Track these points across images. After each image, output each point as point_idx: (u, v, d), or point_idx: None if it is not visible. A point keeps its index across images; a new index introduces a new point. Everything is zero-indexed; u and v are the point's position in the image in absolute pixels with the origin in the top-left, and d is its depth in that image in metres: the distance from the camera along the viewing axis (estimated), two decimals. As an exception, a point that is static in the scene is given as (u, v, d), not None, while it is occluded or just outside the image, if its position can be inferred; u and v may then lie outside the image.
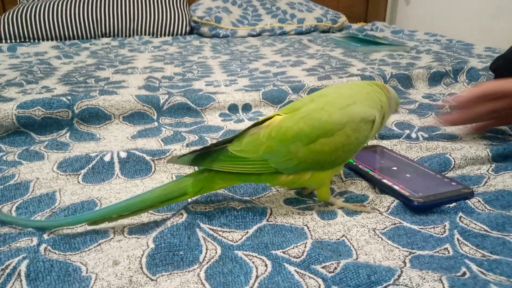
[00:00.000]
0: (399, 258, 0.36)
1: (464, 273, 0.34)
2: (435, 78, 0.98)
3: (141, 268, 0.34)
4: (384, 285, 0.31)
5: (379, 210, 0.44)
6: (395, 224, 0.41)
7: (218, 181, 0.42)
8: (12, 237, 0.39)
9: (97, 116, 0.70)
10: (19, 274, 0.34)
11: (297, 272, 0.34)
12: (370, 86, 0.46)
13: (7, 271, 0.34)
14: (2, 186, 0.48)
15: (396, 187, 0.47)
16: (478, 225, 0.40)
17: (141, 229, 0.41)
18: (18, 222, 0.40)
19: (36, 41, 1.70)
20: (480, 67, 0.98)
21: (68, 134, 0.67)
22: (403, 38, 1.79)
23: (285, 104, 0.80)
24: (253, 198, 0.47)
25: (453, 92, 0.92)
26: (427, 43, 1.61)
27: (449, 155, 0.55)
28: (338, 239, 0.39)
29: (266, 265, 0.35)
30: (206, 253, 0.36)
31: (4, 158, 0.57)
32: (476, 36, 1.84)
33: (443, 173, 0.52)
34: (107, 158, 0.54)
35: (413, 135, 0.64)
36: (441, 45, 1.55)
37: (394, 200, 0.45)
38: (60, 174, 0.51)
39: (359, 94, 0.44)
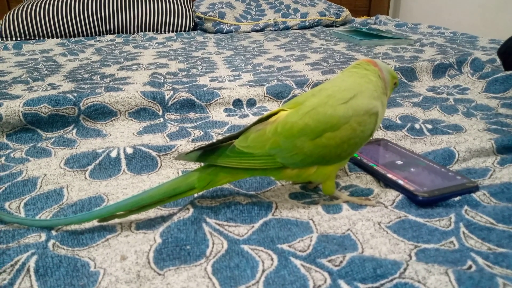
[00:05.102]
0: (405, 251, 0.37)
1: (470, 267, 0.34)
2: (439, 70, 0.97)
3: (149, 262, 0.35)
4: (390, 278, 0.32)
5: (384, 204, 0.44)
6: (400, 217, 0.42)
7: (224, 175, 0.42)
8: (21, 233, 0.39)
9: (103, 113, 0.70)
10: (28, 270, 0.34)
11: (303, 266, 0.34)
12: (363, 71, 0.46)
13: (17, 267, 0.34)
14: (10, 183, 0.49)
15: (400, 181, 0.47)
16: (484, 218, 0.40)
17: (148, 224, 0.41)
18: (25, 223, 0.41)
19: (41, 38, 1.70)
20: (484, 59, 0.97)
21: (74, 131, 0.67)
22: (407, 31, 1.78)
23: (289, 99, 0.80)
24: (259, 192, 0.47)
25: (458, 84, 0.91)
26: (430, 36, 1.60)
27: (453, 147, 0.55)
28: (344, 232, 0.39)
29: (272, 259, 0.35)
30: (212, 248, 0.37)
31: (11, 155, 0.58)
32: (481, 28, 1.83)
33: (448, 167, 0.52)
34: (113, 154, 0.54)
35: (417, 126, 0.64)
36: (445, 38, 1.54)
37: (399, 194, 0.45)
38: (67, 171, 0.52)
39: (356, 85, 0.44)
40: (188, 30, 1.88)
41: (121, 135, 0.65)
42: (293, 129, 0.40)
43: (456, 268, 0.33)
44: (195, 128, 0.68)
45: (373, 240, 0.38)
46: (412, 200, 0.44)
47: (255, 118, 0.71)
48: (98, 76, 1.02)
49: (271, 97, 0.80)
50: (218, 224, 0.40)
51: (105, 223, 0.41)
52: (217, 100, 0.77)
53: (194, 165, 0.55)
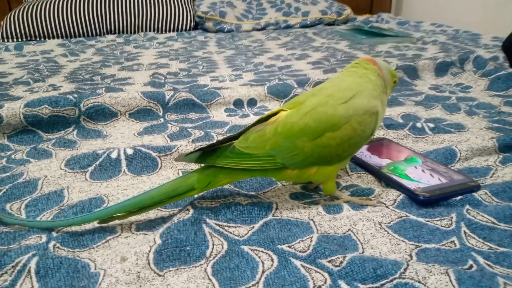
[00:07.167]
0: (405, 251, 0.36)
1: (471, 266, 0.34)
2: (441, 68, 0.97)
3: (149, 264, 0.35)
4: (390, 278, 0.31)
5: (385, 204, 0.44)
6: (401, 217, 0.41)
7: (224, 176, 0.42)
8: (22, 235, 0.39)
9: (104, 114, 0.71)
10: (29, 271, 0.34)
11: (303, 267, 0.34)
12: (363, 70, 0.46)
13: (18, 268, 0.34)
14: (11, 184, 0.49)
15: (401, 181, 0.47)
16: (485, 217, 0.40)
17: (148, 225, 0.41)
18: (26, 224, 0.41)
19: (42, 39, 1.71)
20: (487, 56, 0.97)
21: (75, 132, 0.67)
22: (409, 29, 1.77)
23: (290, 98, 0.80)
24: (259, 193, 0.47)
25: (461, 82, 0.91)
26: (433, 34, 1.60)
27: (455, 146, 0.54)
28: (344, 233, 0.39)
29: (272, 260, 0.35)
30: (212, 248, 0.37)
31: (12, 156, 0.58)
32: (483, 25, 1.82)
33: (450, 166, 0.52)
34: (114, 155, 0.54)
35: (419, 125, 0.64)
36: (447, 35, 1.53)
37: (400, 194, 0.45)
38: (68, 172, 0.52)
39: (356, 84, 0.44)
40: (189, 30, 1.88)
41: (122, 136, 0.65)
42: (293, 129, 0.40)
43: (457, 268, 0.32)
44: (196, 128, 0.68)
45: (374, 240, 0.38)
46: (413, 199, 0.44)
47: (256, 118, 0.71)
48: (99, 77, 1.02)
49: (272, 96, 0.80)
50: (218, 225, 0.40)
51: (105, 225, 0.41)
52: (217, 100, 0.77)
53: (195, 166, 0.54)
